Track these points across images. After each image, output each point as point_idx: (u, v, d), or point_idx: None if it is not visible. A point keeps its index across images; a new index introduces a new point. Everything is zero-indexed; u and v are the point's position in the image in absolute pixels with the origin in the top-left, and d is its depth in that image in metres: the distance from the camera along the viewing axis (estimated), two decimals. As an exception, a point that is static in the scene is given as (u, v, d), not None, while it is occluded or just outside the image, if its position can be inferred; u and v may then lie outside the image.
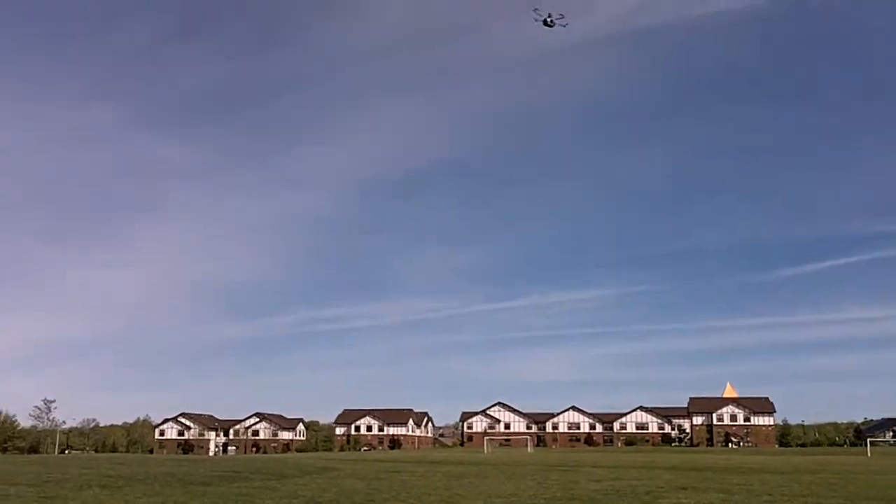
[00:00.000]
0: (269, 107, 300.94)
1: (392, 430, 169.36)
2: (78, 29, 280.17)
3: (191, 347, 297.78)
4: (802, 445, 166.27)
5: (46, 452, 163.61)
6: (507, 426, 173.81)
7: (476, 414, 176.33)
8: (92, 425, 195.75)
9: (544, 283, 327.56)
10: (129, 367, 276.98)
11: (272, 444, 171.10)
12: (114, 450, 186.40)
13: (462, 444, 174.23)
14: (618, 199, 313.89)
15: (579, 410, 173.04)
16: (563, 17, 47.88)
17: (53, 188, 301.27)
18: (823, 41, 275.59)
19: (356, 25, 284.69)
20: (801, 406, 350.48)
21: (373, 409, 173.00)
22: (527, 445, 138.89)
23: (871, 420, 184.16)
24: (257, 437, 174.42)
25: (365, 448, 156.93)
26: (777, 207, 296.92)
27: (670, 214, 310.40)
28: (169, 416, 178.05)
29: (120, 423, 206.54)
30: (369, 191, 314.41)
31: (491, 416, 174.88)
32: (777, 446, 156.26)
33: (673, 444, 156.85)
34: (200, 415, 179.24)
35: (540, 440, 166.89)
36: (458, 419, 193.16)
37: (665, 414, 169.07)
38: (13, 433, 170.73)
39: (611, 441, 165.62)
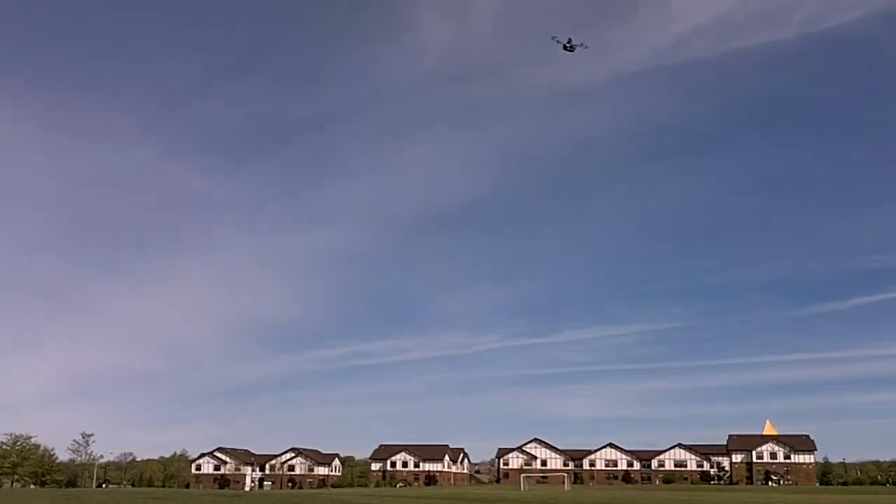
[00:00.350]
0: (306, 142, 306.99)
1: (428, 466, 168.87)
2: (134, 67, 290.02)
3: (227, 382, 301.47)
4: (844, 483, 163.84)
5: (84, 486, 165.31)
6: (544, 463, 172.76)
7: (512, 450, 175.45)
8: (129, 459, 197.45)
9: (581, 318, 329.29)
10: (166, 400, 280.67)
11: (308, 480, 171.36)
12: (150, 484, 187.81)
13: (498, 481, 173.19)
14: (653, 235, 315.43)
15: (617, 447, 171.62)
16: (583, 44, 50.24)
17: (97, 224, 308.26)
18: (860, 74, 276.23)
19: (395, 62, 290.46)
20: (842, 443, 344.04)
21: (408, 445, 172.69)
22: (564, 483, 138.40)
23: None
24: (293, 473, 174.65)
25: (400, 484, 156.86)
26: (814, 242, 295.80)
27: (707, 249, 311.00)
28: (205, 451, 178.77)
29: (156, 457, 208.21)
30: (405, 226, 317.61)
31: (527, 453, 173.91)
32: (818, 484, 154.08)
33: (712, 482, 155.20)
34: (236, 449, 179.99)
35: (577, 477, 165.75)
36: (494, 455, 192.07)
37: (704, 451, 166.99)
38: (51, 467, 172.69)
39: (648, 479, 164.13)
